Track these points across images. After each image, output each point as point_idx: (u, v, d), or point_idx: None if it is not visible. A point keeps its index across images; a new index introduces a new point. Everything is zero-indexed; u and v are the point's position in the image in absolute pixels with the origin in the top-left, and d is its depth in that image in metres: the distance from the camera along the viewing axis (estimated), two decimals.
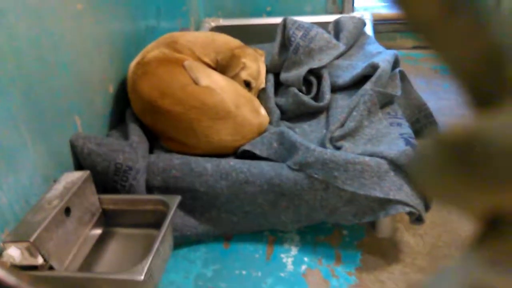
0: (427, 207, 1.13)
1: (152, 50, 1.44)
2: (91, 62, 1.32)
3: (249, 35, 1.96)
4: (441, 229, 1.26)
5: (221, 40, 1.59)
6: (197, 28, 2.27)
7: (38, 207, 0.97)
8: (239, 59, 1.48)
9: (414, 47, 2.45)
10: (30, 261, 0.90)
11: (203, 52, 1.53)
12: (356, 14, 2.16)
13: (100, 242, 1.10)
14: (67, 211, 1.00)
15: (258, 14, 2.36)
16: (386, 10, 2.57)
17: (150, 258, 0.87)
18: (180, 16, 2.10)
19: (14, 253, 0.87)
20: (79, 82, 1.25)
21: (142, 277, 0.85)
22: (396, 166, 1.13)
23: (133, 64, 1.43)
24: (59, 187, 1.03)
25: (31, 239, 0.87)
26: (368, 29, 1.96)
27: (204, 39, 1.57)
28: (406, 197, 1.09)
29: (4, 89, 0.95)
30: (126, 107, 1.43)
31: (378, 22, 2.35)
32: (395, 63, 1.54)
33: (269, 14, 2.36)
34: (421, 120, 1.61)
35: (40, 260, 0.90)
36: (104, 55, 1.40)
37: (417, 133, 1.40)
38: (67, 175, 1.09)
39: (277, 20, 1.77)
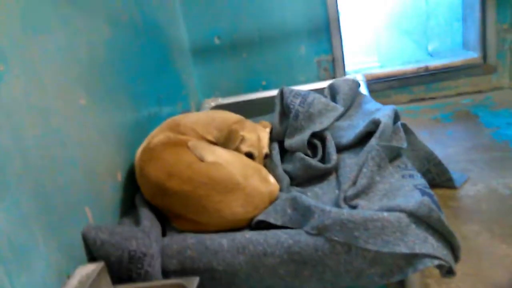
0: (456, 258, 1.07)
1: (157, 135, 1.47)
2: (98, 153, 1.34)
3: (249, 109, 2.02)
4: (474, 278, 1.20)
5: (220, 117, 1.63)
6: (198, 109, 2.34)
7: None
8: (237, 133, 1.51)
9: (411, 101, 2.50)
10: None
11: (205, 131, 1.56)
12: (348, 77, 2.23)
13: None
14: None
15: (255, 89, 2.44)
16: (377, 70, 2.65)
17: None
18: (180, 100, 2.18)
19: None
20: (87, 174, 1.25)
21: None
22: (416, 218, 1.09)
23: (139, 150, 1.45)
24: (73, 282, 1.00)
25: None
26: (363, 89, 2.02)
27: (205, 118, 1.61)
28: (432, 250, 1.04)
29: (13, 187, 0.95)
30: (136, 193, 1.43)
31: (371, 82, 2.42)
32: (396, 117, 1.56)
33: (265, 88, 2.45)
34: (431, 170, 1.60)
35: None
36: (110, 145, 1.42)
37: (429, 183, 1.38)
38: (81, 269, 1.06)
39: (274, 92, 1.82)
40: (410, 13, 2.83)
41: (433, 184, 1.51)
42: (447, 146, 1.95)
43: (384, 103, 1.74)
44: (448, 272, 1.06)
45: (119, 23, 1.65)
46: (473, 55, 2.54)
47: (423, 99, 2.48)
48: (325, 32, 2.37)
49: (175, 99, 2.12)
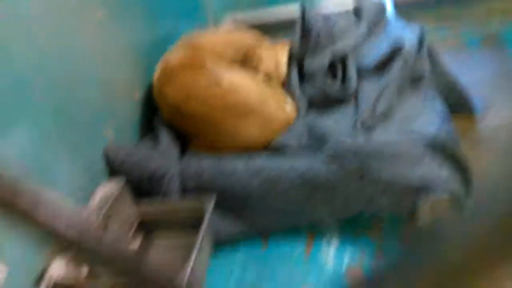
0: (468, 193, 1.09)
1: (175, 55, 1.44)
2: (116, 70, 1.34)
3: (269, 27, 1.94)
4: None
5: (238, 37, 1.58)
6: (217, 25, 2.26)
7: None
8: (254, 54, 1.47)
9: (437, 22, 2.35)
10: (74, 272, 0.92)
11: (222, 52, 1.52)
12: None
13: (141, 249, 1.12)
14: (106, 224, 1.02)
15: (275, 2, 2.32)
16: None
17: (189, 268, 0.87)
18: (198, 17, 2.10)
19: (59, 265, 0.90)
20: (106, 93, 1.27)
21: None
22: (432, 149, 1.09)
23: (157, 71, 1.44)
24: (96, 199, 1.06)
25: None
26: (389, 8, 1.90)
27: (222, 38, 1.57)
28: (444, 182, 1.05)
29: (35, 105, 0.97)
30: (154, 114, 1.44)
31: (398, 1, 2.27)
32: (422, 39, 1.48)
33: (286, 1, 2.32)
34: (453, 97, 1.56)
35: (84, 272, 0.93)
36: (127, 62, 1.41)
37: (451, 108, 1.35)
38: (103, 186, 1.11)
39: (295, 8, 1.73)
40: None
41: (453, 111, 1.47)
42: (472, 72, 1.87)
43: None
44: (458, 206, 1.08)
45: None
46: None
47: (450, 21, 2.33)
48: None
49: (193, 15, 2.04)
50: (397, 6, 2.08)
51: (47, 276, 0.88)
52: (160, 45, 1.61)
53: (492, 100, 1.66)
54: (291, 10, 2.05)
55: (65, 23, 1.10)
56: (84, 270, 0.92)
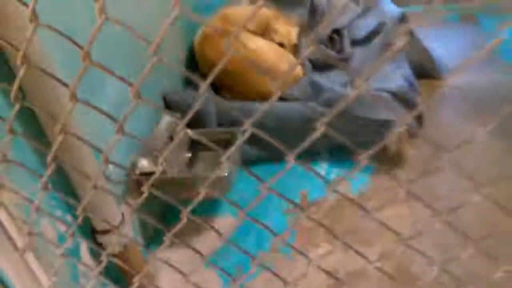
0: (420, 124, 1.55)
1: (211, 24, 1.90)
2: (169, 39, 1.79)
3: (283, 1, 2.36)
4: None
5: (260, 13, 2.02)
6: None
7: (154, 136, 1.47)
8: (272, 27, 1.92)
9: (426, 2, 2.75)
10: (154, 168, 1.41)
11: (248, 23, 1.96)
12: None
13: (191, 161, 1.61)
14: (171, 139, 1.50)
15: None
16: None
17: (227, 162, 1.35)
18: None
19: (145, 162, 1.38)
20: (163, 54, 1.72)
21: (226, 174, 1.34)
22: (396, 98, 1.55)
23: (197, 37, 1.89)
24: (163, 123, 1.53)
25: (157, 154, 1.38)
26: None
27: (248, 12, 2.01)
28: (404, 119, 1.51)
29: (124, 64, 1.43)
30: (195, 70, 1.91)
31: None
32: (403, 18, 1.92)
33: None
34: (425, 64, 2.01)
35: (160, 168, 1.41)
36: (176, 31, 1.86)
37: (421, 74, 1.80)
38: (164, 117, 1.59)
39: None
40: None
41: (424, 75, 1.91)
42: (448, 44, 2.30)
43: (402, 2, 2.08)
44: (413, 135, 1.55)
45: None
46: None
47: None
48: None
49: None
50: None
51: (139, 165, 1.37)
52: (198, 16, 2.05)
53: (459, 68, 2.10)
54: None
55: None
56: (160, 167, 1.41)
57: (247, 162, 1.72)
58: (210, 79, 0.54)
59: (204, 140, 0.61)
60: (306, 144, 0.63)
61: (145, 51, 0.53)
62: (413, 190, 0.58)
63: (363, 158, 0.64)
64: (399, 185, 0.62)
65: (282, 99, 1.78)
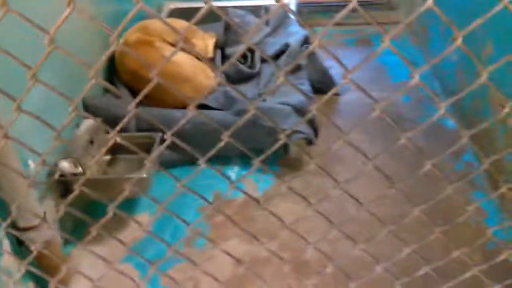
0: (316, 135, 1.81)
1: (131, 34, 2.01)
2: (87, 45, 1.87)
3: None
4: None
5: (178, 25, 2.17)
6: (158, 11, 2.80)
7: (74, 140, 1.56)
8: (189, 40, 2.09)
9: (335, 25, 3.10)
10: (74, 170, 1.49)
11: (167, 35, 2.10)
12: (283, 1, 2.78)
13: (110, 163, 1.71)
14: (91, 142, 1.59)
15: None
16: None
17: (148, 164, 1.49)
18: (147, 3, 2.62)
19: (65, 164, 1.46)
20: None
21: (146, 175, 1.48)
22: (296, 111, 1.80)
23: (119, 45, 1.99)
24: (82, 128, 1.62)
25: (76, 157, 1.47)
26: (293, 7, 2.60)
27: (166, 25, 2.15)
28: (302, 129, 1.77)
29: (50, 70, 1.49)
30: (112, 77, 2.00)
31: (301, 5, 2.97)
32: (306, 40, 2.19)
33: None
34: (324, 82, 2.30)
35: (80, 169, 1.50)
36: (95, 38, 1.94)
37: (320, 90, 2.09)
38: (85, 121, 1.67)
39: (225, 3, 2.36)
40: None
41: (322, 91, 2.20)
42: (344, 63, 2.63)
43: (309, 25, 2.34)
44: (310, 142, 1.80)
45: None
46: None
47: (340, 24, 3.09)
48: None
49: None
50: (299, 11, 2.77)
51: (59, 166, 1.45)
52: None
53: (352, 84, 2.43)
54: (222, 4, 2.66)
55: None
56: (80, 168, 1.50)
57: (166, 165, 1.86)
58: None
59: (129, 144, 0.76)
60: (214, 151, 0.80)
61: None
62: (308, 189, 0.80)
63: (257, 160, 0.84)
64: (282, 182, 0.83)
65: (200, 106, 1.94)
